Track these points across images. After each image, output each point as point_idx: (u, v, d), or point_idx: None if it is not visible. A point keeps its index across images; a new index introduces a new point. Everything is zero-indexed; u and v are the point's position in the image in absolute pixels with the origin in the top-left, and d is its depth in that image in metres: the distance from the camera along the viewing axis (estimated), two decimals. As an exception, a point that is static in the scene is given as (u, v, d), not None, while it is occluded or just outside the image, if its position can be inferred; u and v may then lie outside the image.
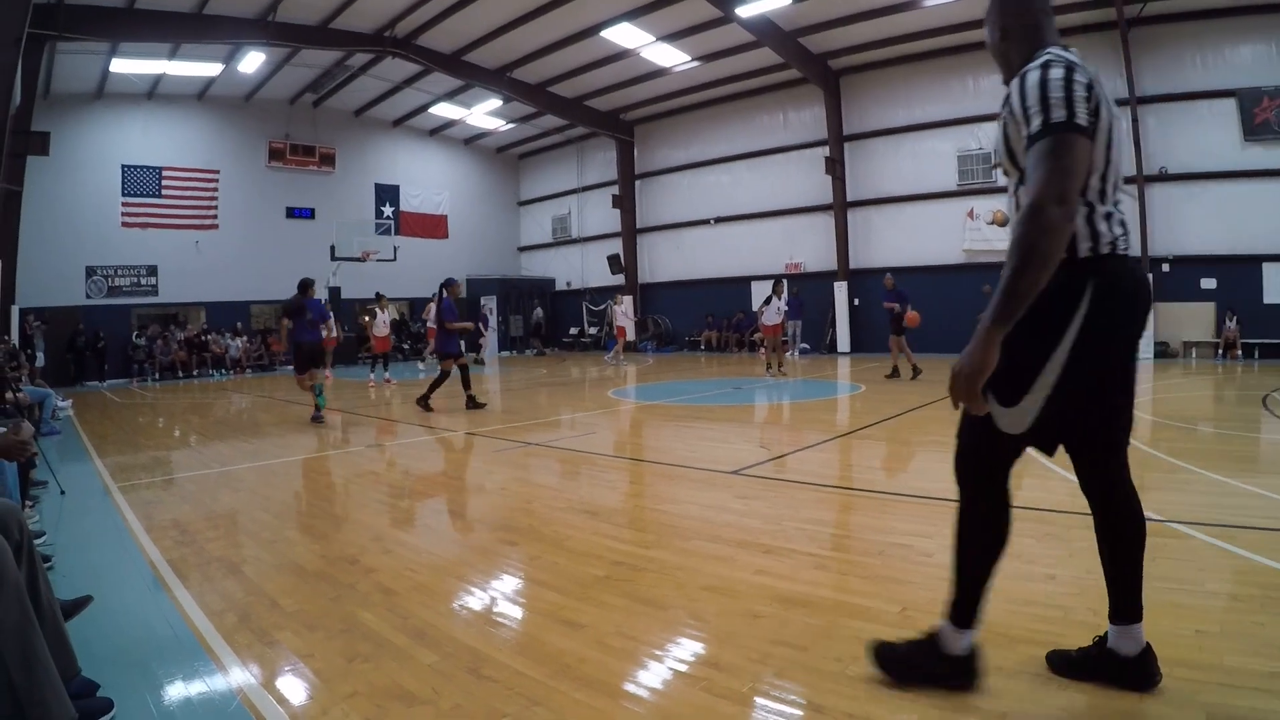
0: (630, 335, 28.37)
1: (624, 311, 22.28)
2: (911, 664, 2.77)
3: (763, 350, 17.04)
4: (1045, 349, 2.46)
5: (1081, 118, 2.31)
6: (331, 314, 11.75)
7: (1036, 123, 2.33)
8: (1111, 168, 2.48)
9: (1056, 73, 2.37)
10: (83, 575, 4.17)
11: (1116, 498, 2.70)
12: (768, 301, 16.72)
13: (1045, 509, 4.88)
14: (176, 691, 2.86)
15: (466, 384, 11.66)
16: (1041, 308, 2.39)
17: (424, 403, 11.57)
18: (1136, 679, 2.57)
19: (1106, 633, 2.64)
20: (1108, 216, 2.48)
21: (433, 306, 14.90)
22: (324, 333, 11.28)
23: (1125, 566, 2.61)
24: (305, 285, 11.60)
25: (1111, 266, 2.46)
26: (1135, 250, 2.65)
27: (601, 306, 23.55)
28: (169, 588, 3.99)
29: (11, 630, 1.95)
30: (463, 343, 12.40)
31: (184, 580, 4.09)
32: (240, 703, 2.72)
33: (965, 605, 2.67)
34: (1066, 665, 2.71)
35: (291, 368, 12.86)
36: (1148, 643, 2.57)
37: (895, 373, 15.06)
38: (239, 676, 2.92)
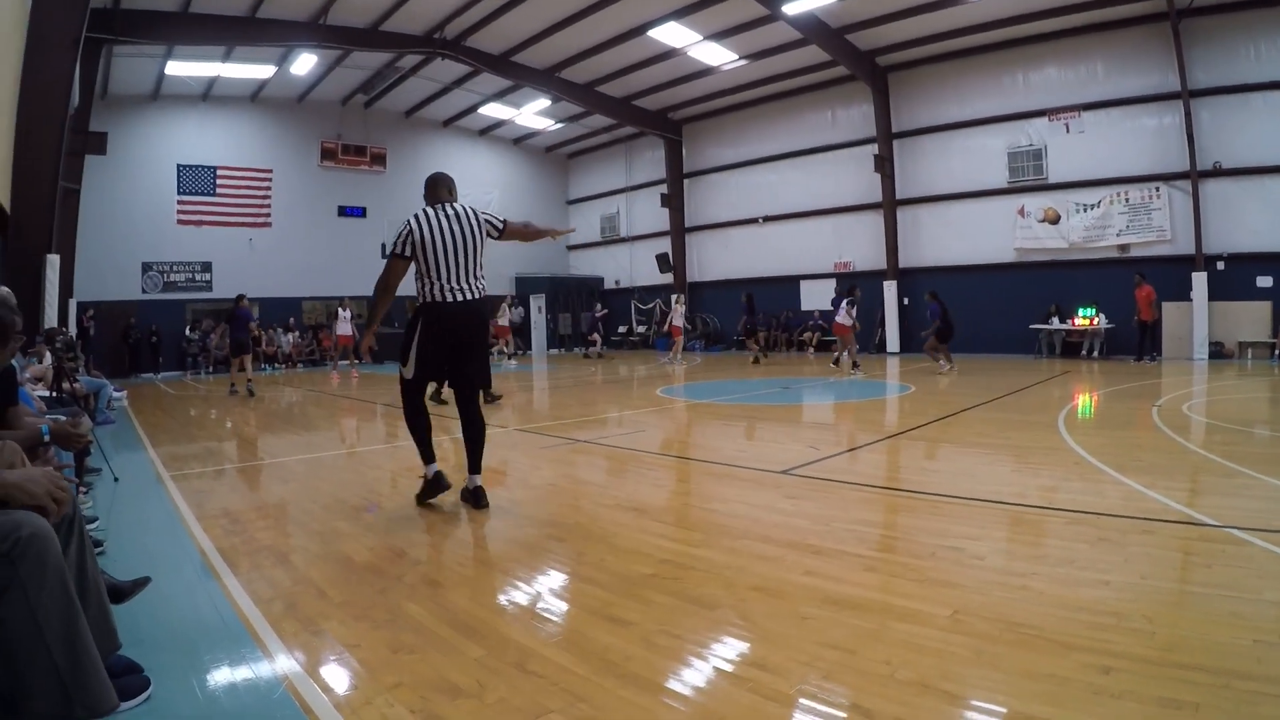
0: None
1: (683, 311, 21.77)
2: (423, 490, 5.54)
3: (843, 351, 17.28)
4: (410, 341, 5.27)
5: (398, 249, 5.15)
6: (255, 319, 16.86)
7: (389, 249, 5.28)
8: (444, 263, 5.13)
9: (401, 228, 5.19)
10: (134, 560, 4.22)
11: (470, 413, 5.39)
12: (850, 303, 16.86)
13: (1099, 513, 4.75)
14: (222, 675, 2.87)
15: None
16: (410, 325, 5.29)
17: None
18: (478, 499, 5.33)
19: (469, 480, 5.42)
20: (440, 288, 5.14)
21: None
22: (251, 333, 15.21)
23: (473, 448, 5.37)
24: (239, 299, 14.82)
25: (433, 307, 5.16)
26: (461, 296, 5.21)
27: (650, 305, 23.26)
28: (218, 574, 4.02)
29: (57, 615, 1.99)
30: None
31: (233, 568, 4.13)
32: (285, 689, 2.71)
33: (425, 453, 5.49)
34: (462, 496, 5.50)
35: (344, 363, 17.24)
36: (480, 485, 5.38)
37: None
38: (284, 663, 2.92)
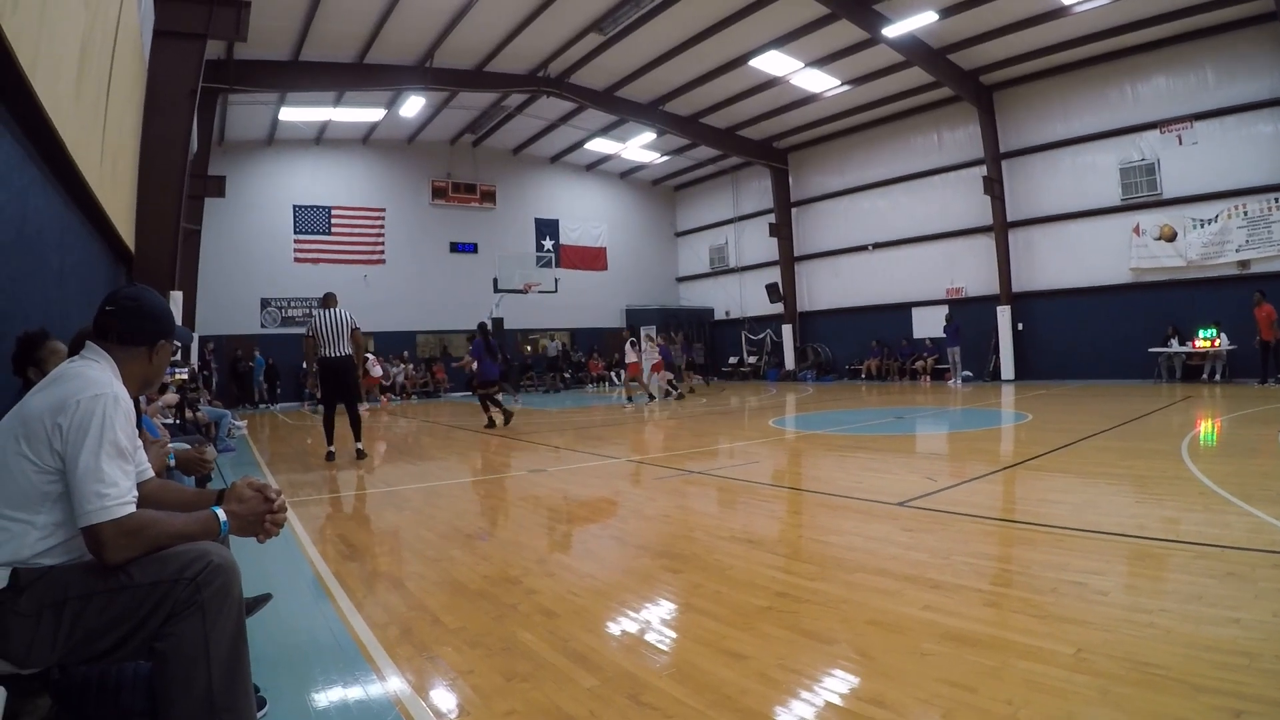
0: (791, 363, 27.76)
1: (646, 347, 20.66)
2: (326, 456, 10.15)
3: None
4: (314, 381, 10.72)
5: (308, 333, 9.99)
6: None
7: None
8: (327, 339, 9.77)
9: (310, 320, 10.53)
10: (252, 582, 4.24)
11: (351, 412, 10.18)
12: (633, 344, 18.23)
13: (1227, 546, 4.44)
14: (335, 696, 2.91)
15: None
16: (318, 367, 10.02)
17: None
18: (359, 453, 10.12)
19: (355, 446, 10.17)
20: (325, 351, 9.78)
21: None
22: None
23: (354, 429, 10.22)
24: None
25: (322, 359, 9.81)
26: (334, 354, 9.77)
27: (761, 336, 22.81)
28: (334, 598, 4.10)
29: (226, 642, 2.09)
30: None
31: (348, 592, 4.20)
32: (398, 713, 2.72)
33: (328, 437, 10.21)
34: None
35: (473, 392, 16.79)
36: (359, 446, 10.17)
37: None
38: (398, 688, 2.94)
